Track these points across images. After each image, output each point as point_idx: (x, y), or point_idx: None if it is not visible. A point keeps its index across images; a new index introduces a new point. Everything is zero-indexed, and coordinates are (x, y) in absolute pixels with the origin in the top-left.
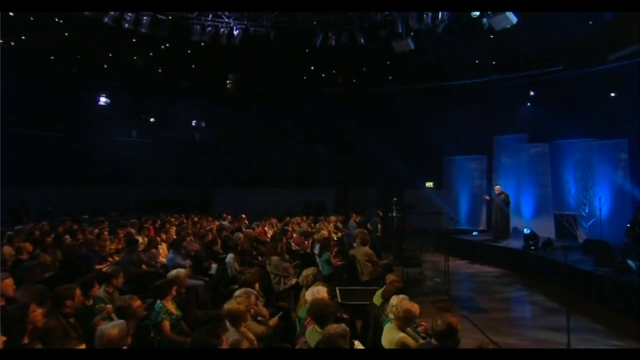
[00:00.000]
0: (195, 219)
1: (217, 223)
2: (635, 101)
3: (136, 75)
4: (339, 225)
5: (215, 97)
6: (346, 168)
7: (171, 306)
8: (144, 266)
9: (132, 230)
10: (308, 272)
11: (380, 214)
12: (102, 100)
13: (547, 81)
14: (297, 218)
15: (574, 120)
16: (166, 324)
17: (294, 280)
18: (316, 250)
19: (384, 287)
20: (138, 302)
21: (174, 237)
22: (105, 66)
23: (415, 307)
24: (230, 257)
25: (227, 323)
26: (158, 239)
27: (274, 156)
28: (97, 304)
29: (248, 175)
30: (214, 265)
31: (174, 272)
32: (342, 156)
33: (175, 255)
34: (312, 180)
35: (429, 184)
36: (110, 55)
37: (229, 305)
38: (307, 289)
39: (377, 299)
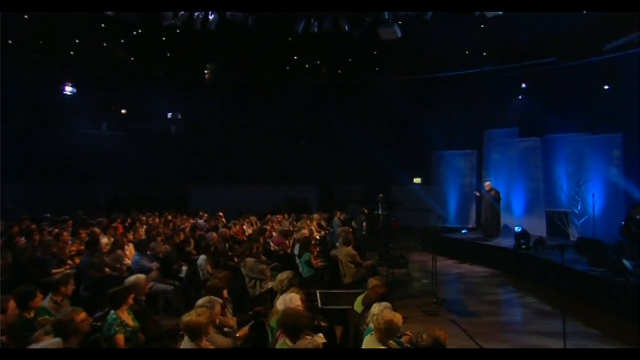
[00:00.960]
0: (169, 217)
1: (192, 222)
2: (629, 95)
3: (106, 63)
4: (323, 223)
5: (192, 88)
6: (331, 163)
7: (127, 317)
8: (107, 270)
9: (97, 230)
10: (283, 276)
11: (366, 211)
12: (68, 90)
13: (540, 73)
14: (279, 216)
15: (567, 114)
16: (120, 337)
17: (271, 284)
18: (297, 251)
19: (366, 292)
20: (82, 316)
21: (144, 237)
22: (72, 53)
23: (398, 318)
24: (202, 259)
25: (187, 338)
26: (125, 239)
27: (255, 151)
28: (40, 317)
29: (227, 171)
30: (185, 268)
31: (132, 278)
32: (326, 151)
33: (141, 258)
34: (295, 176)
35: (417, 180)
36: (77, 41)
37: (187, 317)
38: (281, 296)
39: (358, 306)
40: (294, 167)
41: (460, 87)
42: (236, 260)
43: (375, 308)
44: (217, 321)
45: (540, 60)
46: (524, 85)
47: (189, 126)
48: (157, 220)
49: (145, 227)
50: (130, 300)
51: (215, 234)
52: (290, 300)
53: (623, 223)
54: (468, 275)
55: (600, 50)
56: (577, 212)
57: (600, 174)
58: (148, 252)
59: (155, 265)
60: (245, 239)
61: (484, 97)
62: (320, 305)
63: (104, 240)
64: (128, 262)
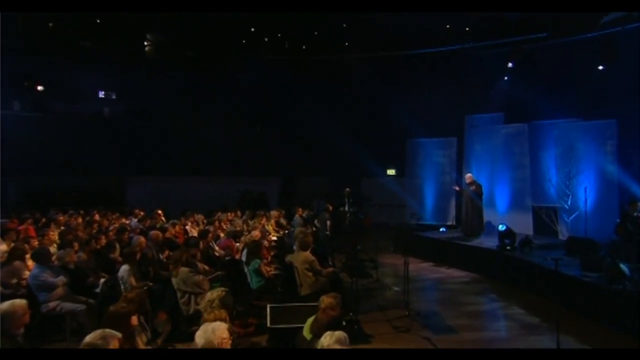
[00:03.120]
0: (97, 216)
1: (125, 221)
2: (626, 76)
3: (19, 30)
4: (282, 221)
5: (129, 62)
6: (293, 152)
7: None
8: None
9: None
10: (213, 294)
11: (330, 208)
12: None
13: (528, 51)
14: (229, 214)
15: (557, 97)
16: None
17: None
18: (245, 257)
19: (315, 315)
20: None
21: (57, 241)
22: None
23: None
24: (123, 269)
25: None
26: (26, 246)
27: (204, 137)
28: None
29: (171, 160)
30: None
31: (5, 304)
32: (287, 138)
33: (42, 271)
34: (251, 167)
35: (391, 172)
36: None
37: None
38: (210, 319)
39: (306, 331)
40: (249, 156)
41: (438, 66)
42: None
43: (326, 338)
44: None
45: (528, 36)
46: (509, 65)
47: (124, 108)
48: (80, 220)
49: (61, 228)
50: None
51: (142, 238)
52: (213, 332)
53: (618, 220)
54: (446, 280)
55: (595, 25)
56: (566, 207)
57: (592, 165)
58: (55, 262)
59: (60, 279)
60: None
61: (465, 78)
62: (269, 324)
63: (2, 246)
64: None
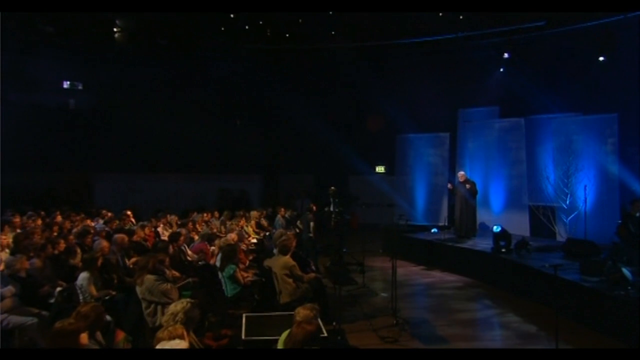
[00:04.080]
0: (59, 218)
1: (91, 223)
2: (628, 67)
3: None
4: (263, 222)
5: (97, 50)
6: (276, 148)
7: None
8: None
9: None
10: (177, 307)
11: (314, 208)
12: None
13: (525, 40)
14: (205, 214)
15: (555, 90)
16: None
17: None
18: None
19: (290, 330)
20: None
21: (10, 245)
22: None
23: None
24: (82, 277)
25: None
26: None
27: (180, 131)
28: None
29: (143, 156)
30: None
31: None
32: (270, 133)
33: None
34: (231, 163)
35: (380, 169)
36: None
37: None
38: (165, 337)
39: (281, 345)
40: (229, 152)
41: (430, 57)
42: None
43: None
44: None
45: (525, 25)
46: (505, 55)
47: (92, 99)
48: (39, 223)
49: (17, 231)
50: None
51: (105, 242)
52: None
53: (620, 221)
54: (437, 285)
55: (596, 13)
56: (565, 206)
57: (592, 162)
58: (3, 271)
59: (8, 290)
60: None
61: (458, 69)
62: (243, 336)
63: None
64: None
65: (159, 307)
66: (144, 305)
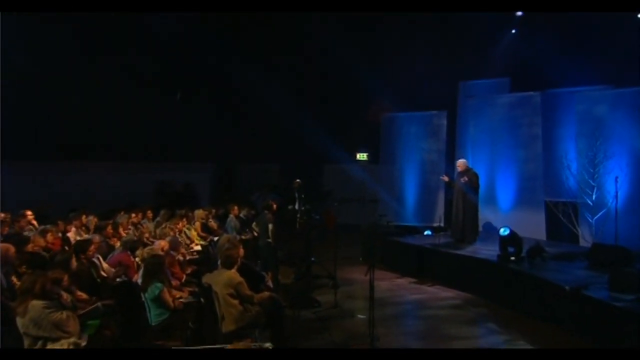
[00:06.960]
0: None
1: None
2: None
3: None
4: (211, 224)
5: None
6: (232, 131)
7: None
8: None
9: None
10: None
11: (274, 206)
12: None
13: None
14: (134, 214)
15: (579, 59)
16: None
17: (83, 343)
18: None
19: None
20: None
21: None
22: None
23: None
24: None
25: None
26: None
27: (105, 109)
28: None
29: (58, 140)
30: None
31: None
32: (224, 111)
33: None
34: (173, 149)
35: (362, 156)
36: None
37: None
38: None
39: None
40: (170, 135)
41: (422, 19)
42: None
43: None
44: None
45: None
46: (518, 13)
47: None
48: None
49: None
50: None
51: None
52: None
53: None
54: (429, 303)
55: None
56: (590, 203)
57: (626, 148)
58: None
59: None
60: None
61: (458, 33)
62: None
63: None
64: None
65: (48, 343)
66: (27, 342)
